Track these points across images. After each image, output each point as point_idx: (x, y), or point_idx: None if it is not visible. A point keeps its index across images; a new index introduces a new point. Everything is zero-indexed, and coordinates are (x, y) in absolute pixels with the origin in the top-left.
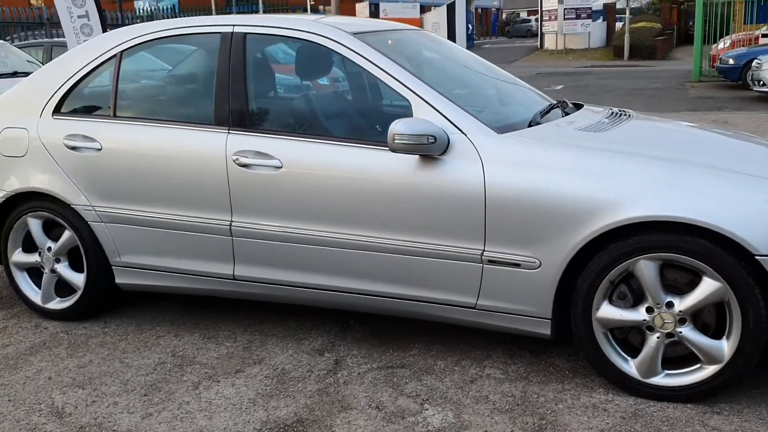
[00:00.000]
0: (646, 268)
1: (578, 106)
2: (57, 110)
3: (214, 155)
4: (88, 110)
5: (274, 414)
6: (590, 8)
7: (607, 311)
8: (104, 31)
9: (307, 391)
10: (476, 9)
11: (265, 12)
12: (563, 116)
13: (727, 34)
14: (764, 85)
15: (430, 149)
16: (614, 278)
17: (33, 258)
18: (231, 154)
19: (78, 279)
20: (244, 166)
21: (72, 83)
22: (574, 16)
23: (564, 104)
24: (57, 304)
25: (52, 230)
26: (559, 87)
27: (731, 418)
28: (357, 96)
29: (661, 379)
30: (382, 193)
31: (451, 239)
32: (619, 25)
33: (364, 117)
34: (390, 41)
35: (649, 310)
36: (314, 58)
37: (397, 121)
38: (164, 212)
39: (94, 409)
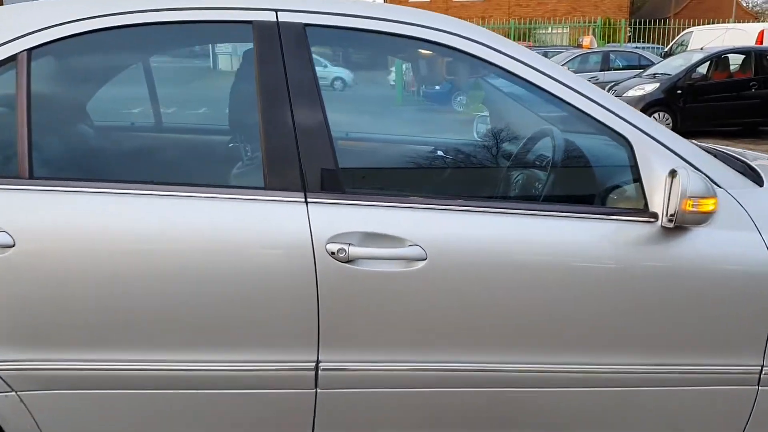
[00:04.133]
0: None
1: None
2: None
3: (283, 245)
4: None
5: None
6: None
7: None
8: None
9: None
10: None
11: None
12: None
13: None
14: None
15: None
16: None
17: None
18: (324, 242)
19: None
20: (349, 261)
21: None
22: None
23: None
24: None
25: None
26: None
27: None
28: (520, 136)
29: None
30: (621, 292)
31: (709, 354)
32: None
33: (555, 167)
34: None
35: None
36: (434, 70)
37: (685, 177)
38: (164, 359)
39: None
